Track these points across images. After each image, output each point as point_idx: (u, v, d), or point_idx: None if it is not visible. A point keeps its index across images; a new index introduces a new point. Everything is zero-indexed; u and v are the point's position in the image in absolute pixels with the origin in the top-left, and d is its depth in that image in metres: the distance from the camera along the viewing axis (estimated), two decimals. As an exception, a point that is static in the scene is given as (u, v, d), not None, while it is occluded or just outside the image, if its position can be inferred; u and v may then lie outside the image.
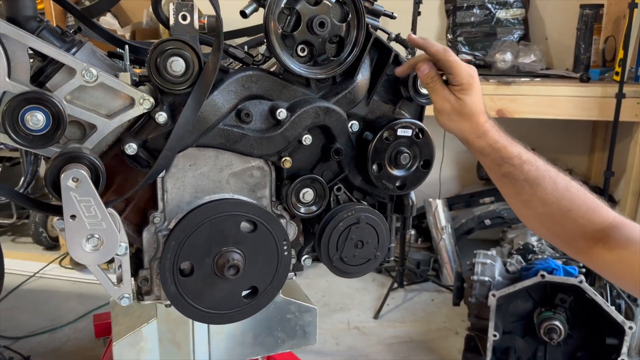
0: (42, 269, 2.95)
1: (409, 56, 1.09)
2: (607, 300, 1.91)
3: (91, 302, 2.62)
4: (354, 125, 1.05)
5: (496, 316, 1.96)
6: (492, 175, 0.99)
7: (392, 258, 1.18)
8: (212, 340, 1.11)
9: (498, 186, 1.00)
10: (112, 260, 0.94)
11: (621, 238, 0.88)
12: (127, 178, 0.97)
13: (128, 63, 0.95)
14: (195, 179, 0.99)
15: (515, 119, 2.82)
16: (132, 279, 1.00)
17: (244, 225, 1.00)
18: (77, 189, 0.83)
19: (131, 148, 0.89)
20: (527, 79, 2.73)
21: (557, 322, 1.94)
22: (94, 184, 0.84)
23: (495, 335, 1.96)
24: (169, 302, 1.00)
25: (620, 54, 2.53)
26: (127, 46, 0.99)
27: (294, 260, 1.09)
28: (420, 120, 1.10)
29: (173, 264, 0.96)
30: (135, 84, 0.94)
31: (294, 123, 0.98)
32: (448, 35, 3.18)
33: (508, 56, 2.70)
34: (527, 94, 2.63)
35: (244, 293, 1.02)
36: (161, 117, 0.88)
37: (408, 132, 1.05)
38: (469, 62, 2.79)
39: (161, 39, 0.88)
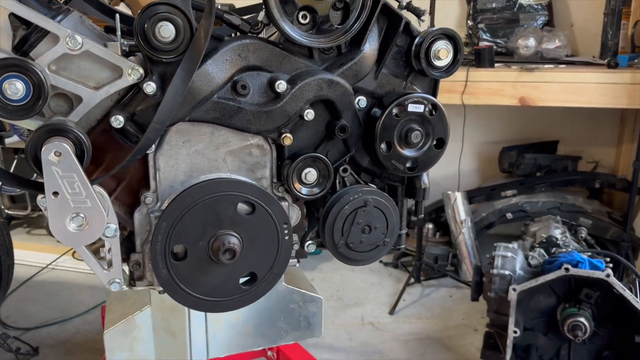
0: (54, 261, 2.93)
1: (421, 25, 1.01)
2: (636, 296, 1.80)
3: (102, 294, 2.59)
4: (361, 101, 0.98)
5: (517, 312, 1.86)
6: None
7: (402, 246, 1.10)
8: (209, 330, 1.05)
9: None
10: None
11: None
12: (117, 155, 0.91)
13: (119, 32, 0.89)
14: (189, 157, 0.93)
15: (539, 107, 2.71)
16: (125, 263, 0.94)
17: (242, 207, 0.93)
18: (60, 163, 0.77)
19: (117, 120, 0.82)
20: (551, 66, 2.61)
21: (582, 319, 1.83)
22: (78, 159, 0.79)
23: (515, 332, 1.86)
24: (161, 288, 0.94)
25: (651, 38, 2.40)
26: (117, 15, 0.93)
27: (297, 246, 1.02)
28: (434, 95, 1.02)
29: (165, 247, 0.90)
30: (126, 55, 0.88)
31: (295, 96, 0.91)
32: (468, 22, 3.07)
33: (531, 42, 2.59)
34: (551, 81, 2.51)
35: (242, 280, 0.96)
36: (149, 87, 0.82)
37: (420, 108, 0.97)
38: (489, 48, 2.70)
39: (150, 2, 0.81)
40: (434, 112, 0.98)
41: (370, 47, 0.94)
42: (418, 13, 1.00)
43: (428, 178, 1.06)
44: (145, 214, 0.93)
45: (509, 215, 3.01)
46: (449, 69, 0.99)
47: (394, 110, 0.96)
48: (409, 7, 1.01)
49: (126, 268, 0.95)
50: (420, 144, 0.99)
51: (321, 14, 0.90)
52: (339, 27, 0.92)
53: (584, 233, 2.49)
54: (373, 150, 0.98)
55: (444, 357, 2.30)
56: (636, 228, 2.82)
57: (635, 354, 1.81)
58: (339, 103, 0.94)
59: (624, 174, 3.17)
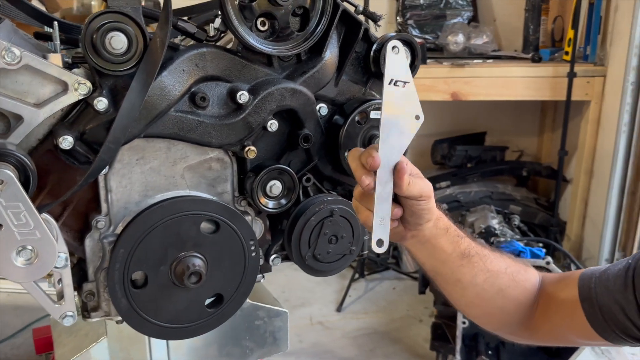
0: (-28, 281, 2.70)
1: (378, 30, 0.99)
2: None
3: (29, 314, 2.41)
4: (323, 109, 0.95)
5: (464, 303, 1.91)
6: (451, 260, 0.87)
7: (366, 252, 1.08)
8: (172, 356, 0.98)
9: (456, 274, 0.89)
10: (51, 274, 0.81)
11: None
12: (62, 177, 0.83)
13: (58, 42, 0.81)
14: (144, 175, 0.86)
15: (467, 102, 2.79)
16: (76, 293, 0.86)
17: (205, 226, 0.88)
18: (3, 192, 0.69)
19: (67, 141, 0.75)
20: (480, 61, 2.70)
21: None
22: (22, 185, 0.70)
23: (464, 323, 1.92)
24: (120, 318, 0.87)
25: (570, 34, 2.54)
26: (55, 23, 0.84)
27: (261, 261, 0.98)
28: (393, 101, 1.00)
29: (123, 275, 0.83)
30: (68, 67, 0.80)
31: (258, 107, 0.86)
32: (398, 18, 3.11)
33: (460, 38, 2.66)
34: (481, 76, 2.60)
35: (208, 302, 0.90)
36: (101, 103, 0.75)
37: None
38: (421, 45, 2.74)
39: (97, 12, 0.74)
40: (394, 118, 0.97)
41: (331, 54, 0.92)
42: (374, 18, 0.98)
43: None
44: (98, 239, 0.85)
45: (444, 206, 3.09)
46: (408, 74, 0.98)
47: (357, 118, 0.94)
48: (365, 13, 0.99)
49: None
50: (383, 151, 0.97)
51: (280, 21, 0.86)
52: (299, 34, 0.88)
53: (517, 220, 2.60)
54: (336, 158, 0.95)
55: (393, 350, 2.33)
56: (561, 212, 3.00)
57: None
58: (302, 112, 0.90)
59: (546, 161, 3.35)
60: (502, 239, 2.15)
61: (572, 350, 1.91)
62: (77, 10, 2.74)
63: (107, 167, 0.81)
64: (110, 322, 0.93)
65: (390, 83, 0.77)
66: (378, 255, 3.00)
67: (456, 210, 3.09)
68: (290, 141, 0.93)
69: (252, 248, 0.90)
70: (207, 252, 0.87)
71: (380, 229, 0.78)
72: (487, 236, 2.23)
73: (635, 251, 2.37)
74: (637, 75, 2.30)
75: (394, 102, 0.77)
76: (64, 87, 0.76)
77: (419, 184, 0.77)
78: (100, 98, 0.75)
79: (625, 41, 2.33)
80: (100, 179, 0.83)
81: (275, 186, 0.91)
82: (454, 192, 3.10)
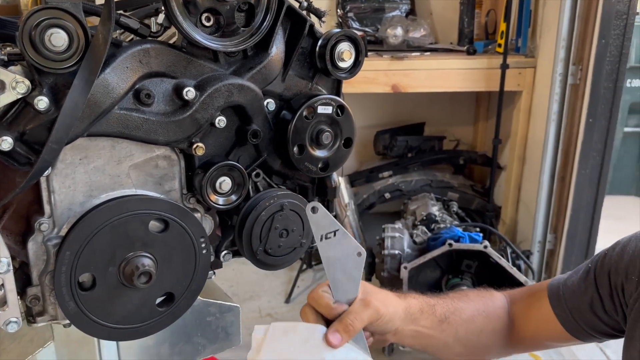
0: None
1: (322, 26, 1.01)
2: (508, 261, 2.00)
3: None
4: (270, 104, 0.95)
5: (408, 287, 1.98)
6: (435, 334, 0.96)
7: (315, 244, 1.10)
8: (122, 357, 0.97)
9: (442, 340, 0.97)
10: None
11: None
12: (1, 179, 0.80)
13: (-9, 38, 0.77)
14: (87, 174, 0.84)
15: (407, 94, 2.87)
16: (19, 298, 0.83)
17: (153, 225, 0.86)
18: None
19: (6, 142, 0.72)
20: (418, 54, 2.78)
21: (464, 287, 2.00)
22: (-42, 190, 0.67)
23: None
24: (68, 322, 0.85)
25: (502, 27, 2.65)
26: (-13, 17, 0.80)
27: (212, 258, 0.98)
28: (338, 95, 1.02)
29: (70, 278, 0.81)
30: (4, 64, 0.76)
31: (205, 103, 0.86)
32: (338, 10, 3.14)
33: (399, 31, 2.72)
34: (419, 68, 2.67)
35: (158, 301, 0.90)
36: (41, 102, 0.72)
37: (328, 110, 0.97)
38: (362, 38, 2.78)
39: (35, 7, 0.71)
40: (340, 113, 0.99)
41: (277, 49, 0.92)
42: (319, 14, 1.00)
43: (337, 177, 1.07)
44: (41, 242, 0.82)
45: (387, 195, 3.18)
46: (352, 70, 1.00)
47: (304, 113, 0.95)
48: (310, 9, 1.00)
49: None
50: (330, 145, 0.99)
51: (226, 17, 0.86)
52: (245, 29, 0.88)
53: (455, 207, 2.71)
54: (285, 153, 0.96)
55: (341, 338, 2.38)
56: (495, 198, 3.14)
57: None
58: (250, 108, 0.91)
59: (481, 149, 3.49)
60: (442, 225, 2.23)
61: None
62: (4, 0, 2.59)
63: (50, 167, 0.78)
64: (57, 326, 0.91)
65: (321, 239, 0.83)
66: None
67: (398, 198, 3.17)
68: (239, 137, 0.93)
69: (203, 245, 0.90)
70: (156, 252, 0.86)
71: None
72: (429, 223, 2.31)
73: (565, 232, 2.52)
74: (565, 66, 2.43)
75: (332, 254, 0.83)
76: (1, 86, 0.73)
77: (362, 318, 0.83)
78: (40, 97, 0.72)
79: (553, 34, 2.46)
80: (43, 180, 0.80)
81: (225, 182, 0.91)
82: (396, 182, 3.18)
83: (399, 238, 2.10)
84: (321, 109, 0.96)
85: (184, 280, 0.90)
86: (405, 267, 1.95)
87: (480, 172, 3.48)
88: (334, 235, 0.81)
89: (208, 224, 0.96)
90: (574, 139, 2.45)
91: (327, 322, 0.88)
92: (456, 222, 2.41)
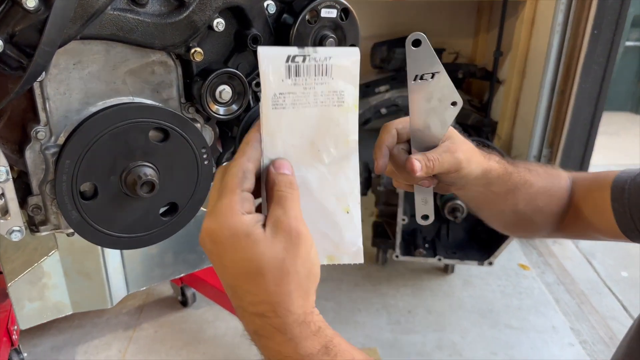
0: None
1: None
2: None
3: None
4: (271, 6, 0.90)
5: (405, 202, 2.00)
6: (498, 200, 0.89)
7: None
8: (127, 265, 0.98)
9: (499, 207, 0.91)
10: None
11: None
12: (-8, 85, 0.76)
13: None
14: (82, 81, 0.81)
15: (405, 2, 2.75)
16: (20, 208, 0.83)
17: (153, 134, 0.84)
18: None
19: (-6, 45, 0.68)
20: (419, -41, 2.63)
21: (459, 202, 2.03)
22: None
23: (404, 220, 2.02)
24: (71, 231, 0.85)
25: None
26: None
27: (214, 169, 0.96)
28: (342, -2, 0.97)
29: (72, 187, 0.80)
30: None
31: (202, 3, 0.81)
32: None
33: None
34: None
35: (161, 210, 0.89)
36: (30, 1, 0.67)
37: (333, 13, 0.92)
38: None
39: None
40: (344, 17, 0.94)
41: (278, -55, 0.86)
42: None
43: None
44: (39, 150, 0.80)
45: (383, 111, 3.13)
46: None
47: (307, 16, 0.90)
48: None
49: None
50: (333, 52, 0.95)
51: None
52: None
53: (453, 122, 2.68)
54: (286, 61, 0.92)
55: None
56: (492, 113, 3.11)
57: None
58: (250, 10, 0.86)
59: (480, 62, 3.41)
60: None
61: (500, 241, 2.07)
62: None
63: (44, 72, 0.75)
64: (60, 234, 0.91)
65: (415, 79, 0.73)
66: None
67: (395, 114, 3.13)
68: (238, 42, 0.89)
69: (205, 156, 0.88)
70: (158, 161, 0.84)
71: (424, 207, 0.81)
72: (426, 137, 2.29)
73: (561, 147, 2.53)
74: (572, -26, 2.32)
75: (423, 97, 0.74)
76: (-17, -18, 0.67)
77: (442, 163, 0.76)
78: (28, -6, 0.67)
79: (562, -62, 2.33)
80: (36, 86, 0.77)
81: (225, 91, 0.87)
82: (393, 97, 3.13)
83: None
84: (325, 12, 0.91)
85: (186, 190, 0.89)
86: (402, 181, 1.96)
87: (479, 86, 3.42)
88: (432, 77, 0.71)
89: (208, 134, 0.94)
90: (577, 51, 2.39)
91: None
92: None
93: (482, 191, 0.85)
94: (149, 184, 0.82)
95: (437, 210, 2.13)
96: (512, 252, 2.49)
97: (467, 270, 2.35)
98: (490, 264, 2.05)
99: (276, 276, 0.52)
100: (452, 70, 3.30)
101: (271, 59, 0.56)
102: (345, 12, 0.94)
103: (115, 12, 0.76)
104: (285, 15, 0.91)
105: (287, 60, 0.56)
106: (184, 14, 0.80)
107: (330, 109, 0.59)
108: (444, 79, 0.72)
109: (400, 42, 3.35)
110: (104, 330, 1.71)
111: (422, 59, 0.70)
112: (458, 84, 3.35)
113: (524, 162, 0.95)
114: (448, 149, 0.77)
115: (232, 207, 0.54)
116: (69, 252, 0.92)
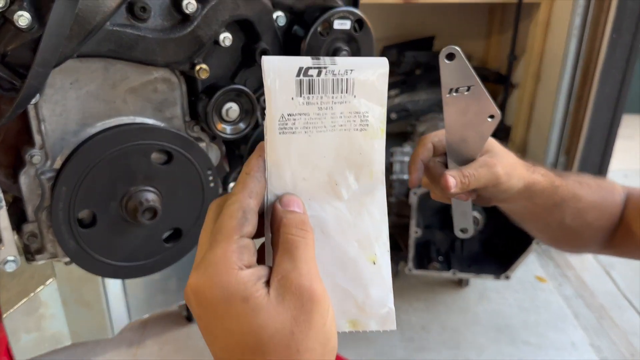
0: None
1: None
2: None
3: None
4: (280, 18, 0.85)
5: (418, 213, 1.94)
6: (543, 215, 0.81)
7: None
8: (128, 293, 0.93)
9: (545, 221, 0.84)
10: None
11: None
12: (-17, 107, 0.71)
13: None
14: (80, 101, 0.75)
15: (416, 5, 2.69)
16: (16, 236, 0.78)
17: (156, 156, 0.79)
18: None
19: (-18, 65, 0.63)
20: (431, -39, 2.57)
21: (475, 213, 1.96)
22: None
23: (417, 232, 1.95)
24: (68, 259, 0.80)
25: None
26: None
27: (220, 190, 0.91)
28: (356, 6, 0.91)
29: (69, 215, 0.75)
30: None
31: (208, 17, 0.75)
32: None
33: None
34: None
35: (165, 236, 0.84)
36: (22, 18, 0.62)
37: (346, 25, 0.87)
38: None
39: None
40: (358, 28, 0.89)
41: (288, -46, 0.80)
42: None
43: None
44: (34, 175, 0.75)
45: (393, 116, 3.06)
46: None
47: (319, 29, 0.85)
48: None
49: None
50: (347, 65, 0.90)
51: None
52: None
53: (465, 128, 2.61)
54: (297, 76, 0.87)
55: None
56: (506, 118, 3.04)
57: (520, 239, 1.99)
58: (258, 23, 0.80)
59: (492, 65, 3.34)
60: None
61: (517, 254, 2.00)
62: None
63: (38, 93, 0.70)
64: (58, 263, 0.86)
65: (450, 92, 0.66)
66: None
67: (405, 119, 3.07)
68: (246, 57, 0.84)
69: (210, 178, 0.83)
70: (160, 185, 0.79)
71: (462, 220, 0.73)
72: (439, 145, 2.23)
73: (579, 154, 2.45)
74: (590, -24, 2.25)
75: (458, 110, 0.66)
76: (-29, -2, 0.62)
77: (479, 179, 0.69)
78: (20, 12, 0.62)
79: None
80: (30, 107, 0.72)
81: (232, 109, 0.82)
82: (403, 101, 3.06)
83: (407, 162, 2.03)
84: (338, 24, 0.86)
85: (191, 214, 0.84)
86: (415, 193, 1.90)
87: (491, 90, 3.34)
88: (467, 90, 0.66)
89: (214, 153, 0.88)
90: (595, 55, 2.31)
91: None
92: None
93: (525, 204, 0.79)
94: (151, 210, 0.77)
95: (451, 222, 2.07)
96: (528, 264, 2.42)
97: (482, 283, 2.28)
98: (507, 277, 1.99)
99: (282, 355, 0.40)
100: (463, 74, 3.22)
101: (278, 71, 0.44)
102: (359, 23, 0.88)
103: (114, 28, 0.71)
104: (295, 27, 0.86)
105: (299, 74, 0.45)
106: (188, 29, 0.75)
107: (352, 134, 0.48)
108: (480, 92, 0.66)
109: (410, 45, 3.29)
110: (106, 348, 1.66)
111: (456, 72, 0.64)
112: (470, 88, 3.27)
113: (575, 174, 0.88)
114: (486, 163, 0.70)
115: (227, 260, 0.40)
116: (67, 280, 0.87)
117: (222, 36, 0.78)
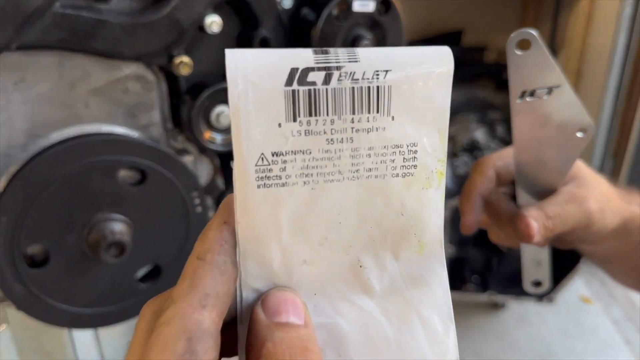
0: None
1: None
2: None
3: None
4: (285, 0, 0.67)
5: (450, 229, 1.75)
6: (634, 255, 0.61)
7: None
8: (102, 338, 0.76)
9: (633, 263, 0.63)
10: None
11: None
12: None
13: None
14: (28, 105, 0.59)
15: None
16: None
17: (126, 175, 0.62)
18: None
19: None
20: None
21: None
22: None
23: (449, 250, 1.76)
24: (19, 305, 0.63)
25: None
26: None
27: (211, 214, 0.74)
28: (380, -14, 0.73)
29: (12, 252, 0.58)
30: None
31: (188, -3, 0.58)
32: None
33: None
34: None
35: (140, 274, 0.67)
36: None
37: (369, 6, 0.68)
38: None
39: None
40: (383, 11, 0.71)
41: None
42: None
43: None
44: (-30, 201, 0.59)
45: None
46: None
47: (334, 11, 0.67)
48: None
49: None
50: (370, 58, 0.71)
51: None
52: None
53: (500, 129, 2.41)
54: (307, 71, 0.69)
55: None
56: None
57: (565, 255, 1.79)
58: (257, 4, 0.63)
59: (526, 62, 3.13)
60: (487, 153, 1.95)
61: (563, 274, 1.80)
62: None
63: (-42, 97, 0.53)
64: (10, 306, 0.70)
65: (522, 96, 0.44)
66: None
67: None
68: (241, 47, 0.66)
69: (197, 201, 0.66)
70: (132, 212, 0.62)
71: (536, 271, 0.54)
72: (472, 150, 2.04)
73: (629, 157, 2.23)
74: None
75: (533, 122, 0.46)
76: None
77: (566, 220, 0.49)
78: None
79: None
80: (-45, 115, 0.55)
81: (224, 114, 0.65)
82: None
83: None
84: (358, 6, 0.68)
85: (172, 247, 0.67)
86: (447, 206, 1.71)
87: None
88: (548, 93, 0.45)
89: (205, 169, 0.71)
90: (647, 48, 2.09)
91: None
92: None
93: (615, 245, 0.58)
94: (117, 245, 0.60)
95: (486, 238, 1.88)
96: (571, 282, 2.20)
97: (520, 305, 2.08)
98: (551, 300, 1.78)
99: None
100: (495, 70, 3.02)
101: (253, 77, 0.25)
102: (385, 3, 0.70)
103: (65, 11, 0.54)
104: (305, 11, 0.68)
105: (290, 81, 0.25)
106: (164, 12, 0.58)
107: (387, 182, 0.28)
108: (566, 96, 0.45)
109: (436, 40, 3.08)
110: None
111: (532, 67, 0.43)
112: (503, 85, 3.06)
113: None
114: (573, 197, 0.49)
115: None
116: (23, 327, 0.71)
117: (208, 20, 0.61)
